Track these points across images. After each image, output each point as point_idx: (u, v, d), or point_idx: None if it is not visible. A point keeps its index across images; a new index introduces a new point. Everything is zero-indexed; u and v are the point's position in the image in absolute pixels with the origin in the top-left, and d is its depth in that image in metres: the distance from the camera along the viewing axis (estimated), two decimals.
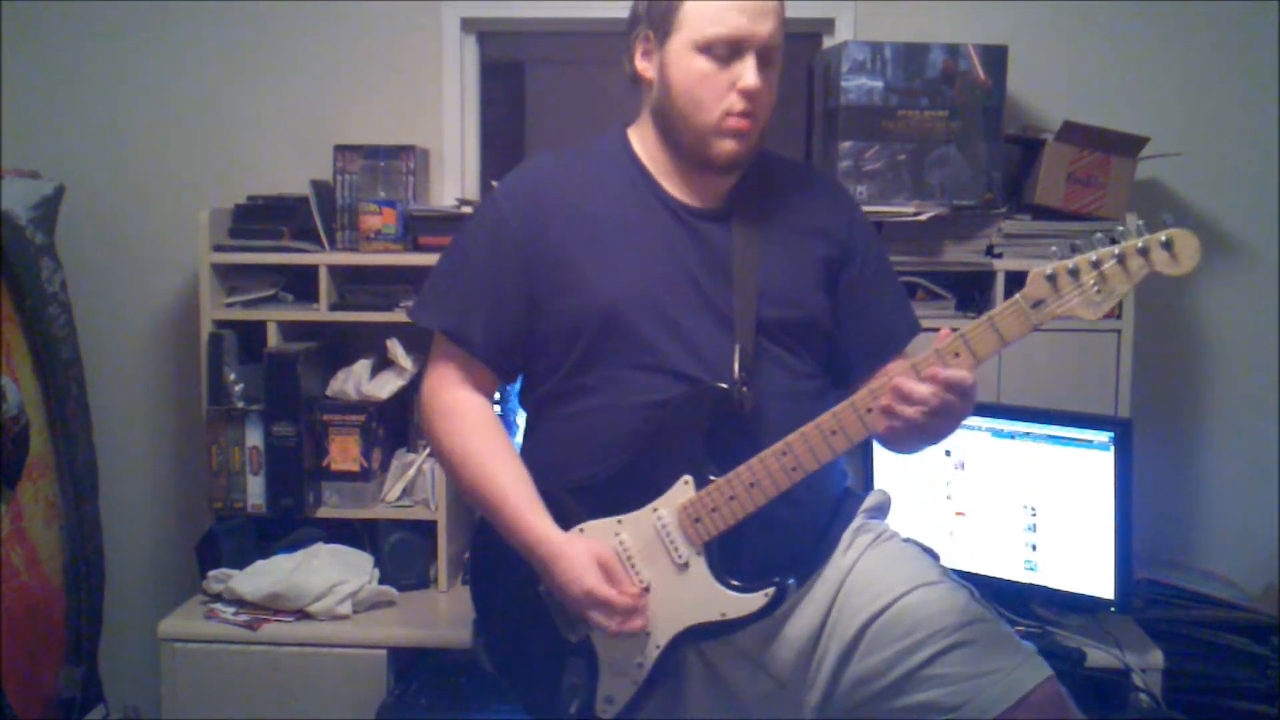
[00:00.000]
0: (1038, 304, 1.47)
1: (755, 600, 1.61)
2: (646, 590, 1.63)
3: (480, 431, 1.73)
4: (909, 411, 1.50)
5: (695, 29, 1.62)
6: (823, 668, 1.65)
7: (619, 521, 1.65)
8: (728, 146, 1.65)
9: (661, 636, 1.64)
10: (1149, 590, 2.50)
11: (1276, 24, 2.67)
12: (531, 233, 1.70)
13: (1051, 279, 1.46)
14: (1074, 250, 1.46)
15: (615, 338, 1.66)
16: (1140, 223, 1.44)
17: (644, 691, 1.65)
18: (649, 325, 1.66)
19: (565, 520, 1.66)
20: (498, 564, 1.75)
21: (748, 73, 1.61)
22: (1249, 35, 2.69)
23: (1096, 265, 1.44)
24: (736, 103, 1.63)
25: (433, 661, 2.38)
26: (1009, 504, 2.32)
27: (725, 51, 1.62)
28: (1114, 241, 1.44)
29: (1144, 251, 1.42)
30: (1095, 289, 1.45)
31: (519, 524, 1.65)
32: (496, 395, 1.84)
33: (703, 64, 1.63)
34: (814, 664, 1.66)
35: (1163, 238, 1.42)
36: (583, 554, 1.60)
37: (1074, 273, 1.45)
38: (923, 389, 1.49)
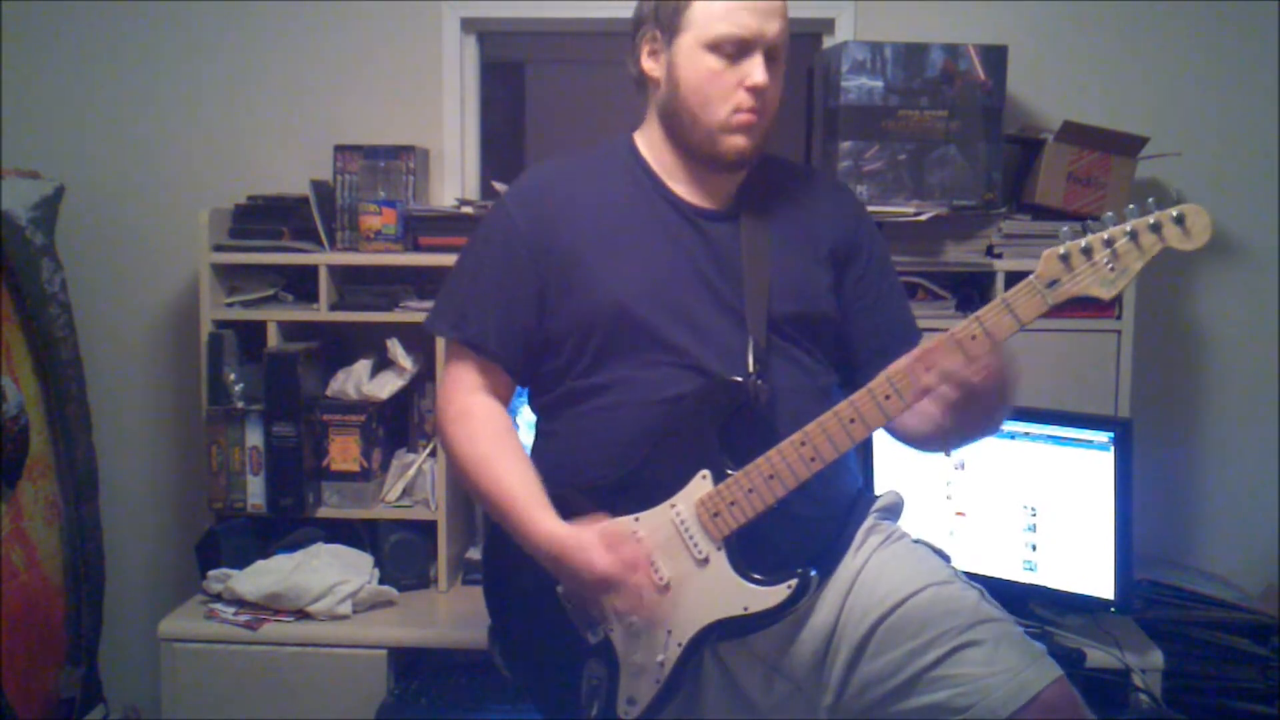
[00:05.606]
0: (1052, 284, 1.45)
1: (778, 593, 1.59)
2: (666, 586, 1.61)
3: (491, 436, 1.72)
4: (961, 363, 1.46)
5: (704, 27, 1.64)
6: (834, 669, 1.64)
7: (636, 520, 1.63)
8: (737, 142, 1.67)
9: (683, 634, 1.62)
10: (1149, 590, 2.50)
11: (1276, 24, 2.67)
12: (541, 236, 1.71)
13: (1065, 258, 1.45)
14: (1086, 230, 1.45)
15: (629, 335, 1.66)
16: (1151, 200, 1.44)
17: (666, 691, 1.63)
18: (663, 320, 1.66)
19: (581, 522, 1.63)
20: (512, 567, 1.73)
21: (756, 70, 1.64)
22: (1249, 35, 2.69)
23: (1109, 243, 1.43)
24: (745, 100, 1.65)
25: (433, 661, 2.38)
26: (1009, 504, 2.32)
27: (734, 50, 1.64)
28: (1125, 220, 1.43)
29: (1156, 227, 1.41)
30: (1109, 266, 1.43)
31: (526, 526, 1.63)
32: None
33: (711, 62, 1.65)
34: (827, 666, 1.66)
35: (1174, 213, 1.41)
36: (586, 540, 1.57)
37: (1087, 251, 1.44)
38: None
